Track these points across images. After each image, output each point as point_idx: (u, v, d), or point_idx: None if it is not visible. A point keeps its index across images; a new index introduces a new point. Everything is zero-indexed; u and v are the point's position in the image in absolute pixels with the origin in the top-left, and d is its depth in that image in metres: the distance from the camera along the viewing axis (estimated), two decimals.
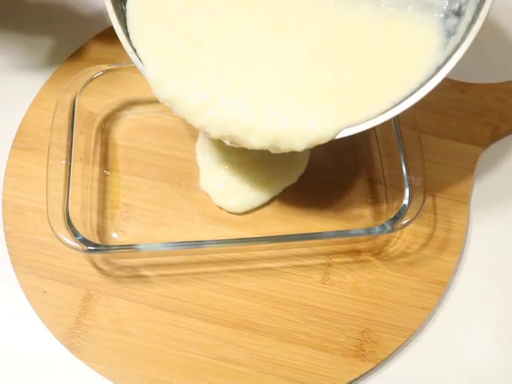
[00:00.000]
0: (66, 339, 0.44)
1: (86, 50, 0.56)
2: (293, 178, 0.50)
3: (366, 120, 0.38)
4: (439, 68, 0.38)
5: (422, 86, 0.38)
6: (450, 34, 0.39)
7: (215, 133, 0.40)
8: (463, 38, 0.37)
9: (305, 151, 0.39)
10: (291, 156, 0.42)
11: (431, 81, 0.37)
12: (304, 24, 0.41)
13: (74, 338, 0.44)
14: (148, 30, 0.41)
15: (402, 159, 0.46)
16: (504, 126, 0.53)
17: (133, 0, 0.43)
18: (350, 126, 0.38)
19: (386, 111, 0.38)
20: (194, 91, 0.39)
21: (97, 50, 0.56)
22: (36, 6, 0.59)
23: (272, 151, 0.40)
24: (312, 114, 0.38)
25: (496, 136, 0.53)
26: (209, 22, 0.42)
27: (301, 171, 0.50)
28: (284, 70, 0.40)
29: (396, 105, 0.38)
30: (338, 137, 0.38)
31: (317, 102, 0.39)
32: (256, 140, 0.39)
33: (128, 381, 0.43)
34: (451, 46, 0.38)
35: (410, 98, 0.38)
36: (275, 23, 0.41)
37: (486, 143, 0.53)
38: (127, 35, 0.42)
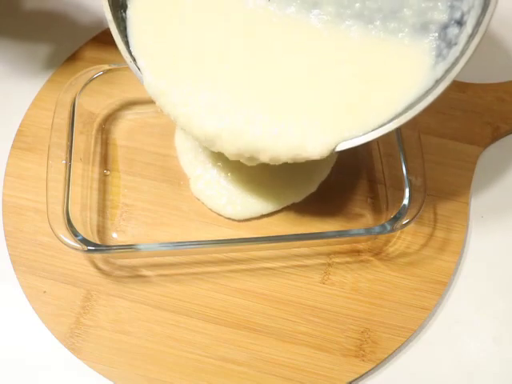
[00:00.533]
0: (66, 339, 0.44)
1: (85, 51, 0.56)
2: (311, 188, 0.49)
3: (364, 133, 0.39)
4: (438, 81, 0.38)
5: (420, 100, 0.37)
6: (450, 44, 0.38)
7: (214, 146, 0.40)
8: (462, 52, 0.36)
9: (330, 157, 0.40)
10: (311, 163, 0.42)
11: (429, 96, 0.37)
12: (299, 47, 0.42)
13: (74, 337, 0.44)
14: (148, 42, 0.42)
15: (402, 159, 0.46)
16: (504, 126, 0.53)
17: (134, 8, 0.43)
18: (348, 140, 0.39)
19: (384, 125, 0.39)
20: (192, 104, 0.40)
21: (96, 50, 0.56)
22: (34, 12, 0.59)
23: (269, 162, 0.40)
24: (310, 129, 0.39)
25: (496, 136, 0.53)
26: (209, 40, 0.42)
27: (322, 179, 0.50)
28: (283, 87, 0.40)
29: (394, 118, 0.38)
30: (337, 150, 0.39)
31: (315, 118, 0.39)
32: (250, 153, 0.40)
33: (128, 381, 0.43)
34: (451, 58, 0.37)
35: (410, 112, 0.38)
36: (274, 46, 0.42)
37: (486, 143, 0.53)
38: (127, 43, 0.42)
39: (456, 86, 0.55)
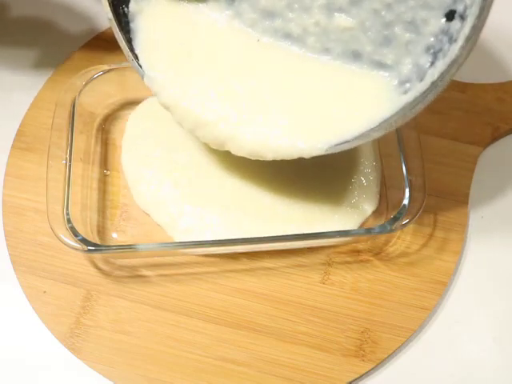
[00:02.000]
0: (66, 339, 0.44)
1: (85, 50, 0.56)
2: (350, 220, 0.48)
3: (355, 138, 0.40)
4: (434, 84, 0.38)
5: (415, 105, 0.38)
6: (451, 40, 0.38)
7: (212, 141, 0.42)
8: (458, 57, 0.36)
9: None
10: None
11: (423, 101, 0.38)
12: (290, 69, 0.42)
13: (74, 337, 0.44)
14: (153, 40, 0.42)
15: (402, 159, 0.46)
16: (504, 126, 0.53)
17: (137, 3, 0.43)
18: (338, 144, 0.40)
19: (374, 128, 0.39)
20: (193, 101, 0.41)
21: (96, 49, 0.56)
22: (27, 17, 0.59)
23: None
24: (301, 133, 0.40)
25: (496, 136, 0.53)
26: (213, 50, 0.43)
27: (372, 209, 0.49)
28: (275, 98, 0.42)
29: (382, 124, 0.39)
30: (326, 152, 0.40)
31: (304, 126, 0.41)
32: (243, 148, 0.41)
33: (128, 381, 0.43)
34: (449, 57, 0.37)
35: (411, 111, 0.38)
36: (269, 70, 0.43)
37: (485, 143, 0.53)
38: (129, 40, 0.42)
39: (456, 86, 0.55)
